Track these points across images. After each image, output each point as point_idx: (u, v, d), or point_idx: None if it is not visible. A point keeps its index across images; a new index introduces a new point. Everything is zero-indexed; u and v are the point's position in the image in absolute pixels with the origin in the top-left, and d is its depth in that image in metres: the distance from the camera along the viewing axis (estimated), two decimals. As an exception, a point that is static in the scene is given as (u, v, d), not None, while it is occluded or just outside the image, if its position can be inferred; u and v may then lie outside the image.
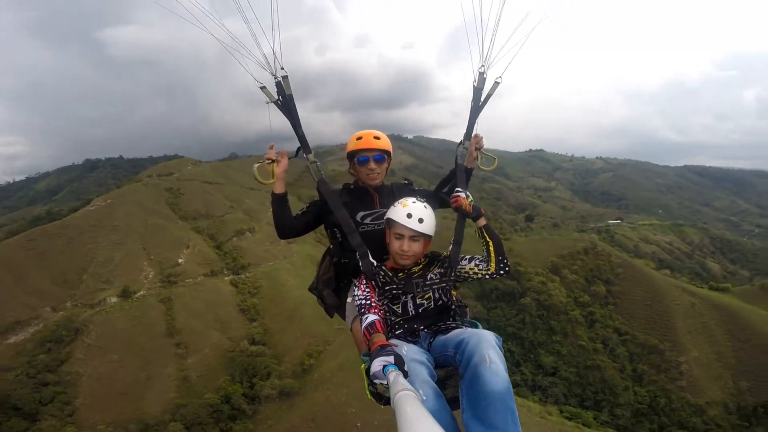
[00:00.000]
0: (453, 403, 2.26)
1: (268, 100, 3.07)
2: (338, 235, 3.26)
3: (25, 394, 44.90)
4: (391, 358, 2.06)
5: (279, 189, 3.07)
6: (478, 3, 3.00)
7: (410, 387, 1.56)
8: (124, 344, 51.42)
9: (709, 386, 58.67)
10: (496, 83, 3.35)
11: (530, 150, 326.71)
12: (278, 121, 3.11)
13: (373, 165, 3.21)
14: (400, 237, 2.83)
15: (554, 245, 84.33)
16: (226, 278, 64.01)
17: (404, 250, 2.82)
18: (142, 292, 57.94)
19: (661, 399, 57.78)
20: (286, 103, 3.09)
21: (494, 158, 3.54)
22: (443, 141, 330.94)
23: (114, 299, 56.71)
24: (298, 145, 3.23)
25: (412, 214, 2.80)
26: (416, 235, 2.82)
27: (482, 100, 3.38)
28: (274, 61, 2.97)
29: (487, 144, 3.40)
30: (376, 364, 2.06)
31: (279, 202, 3.10)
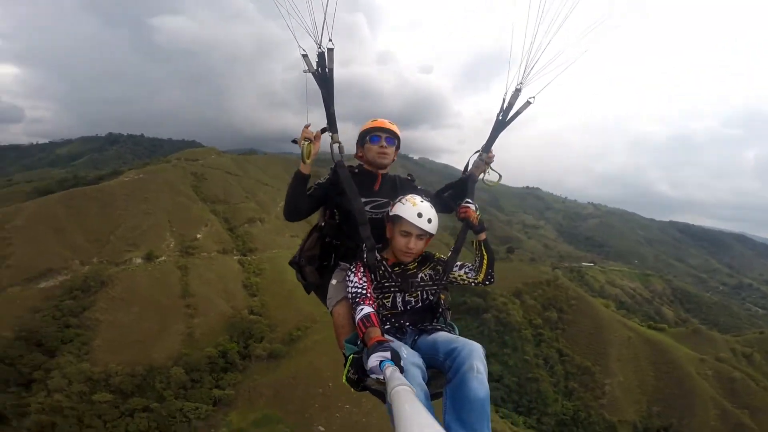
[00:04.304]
0: (433, 397, 2.45)
1: (307, 69, 3.02)
2: (337, 218, 3.34)
3: (50, 333, 53.55)
4: (387, 354, 2.14)
5: (307, 170, 3.07)
6: (535, 17, 2.89)
7: (406, 382, 1.64)
8: (143, 299, 61.00)
9: (626, 407, 68.77)
10: (528, 102, 3.29)
11: (527, 187, 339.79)
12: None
13: (384, 143, 3.27)
14: (407, 234, 2.88)
15: (522, 274, 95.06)
16: (235, 257, 74.90)
17: (410, 248, 2.90)
18: (163, 258, 68.34)
19: (582, 413, 67.88)
20: (324, 77, 3.04)
21: (499, 174, 3.49)
22: (447, 166, 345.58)
23: (139, 260, 66.94)
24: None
25: (423, 213, 2.86)
26: (423, 234, 2.91)
27: (510, 116, 3.33)
28: (322, 31, 2.88)
29: (488, 176, 3.50)
30: (373, 359, 2.14)
31: (303, 181, 3.11)
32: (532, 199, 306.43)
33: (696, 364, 73.72)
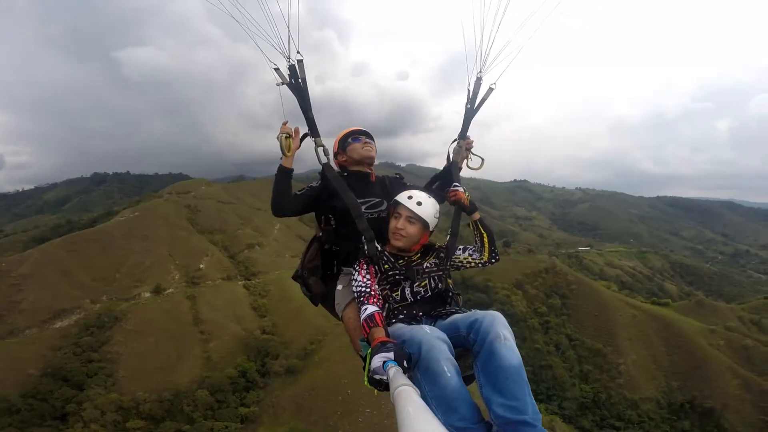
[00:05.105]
0: (466, 381, 2.34)
1: (280, 81, 3.10)
2: (333, 222, 3.33)
3: (75, 368, 54.51)
4: (391, 354, 2.12)
5: (289, 164, 3.14)
6: (480, 5, 3.04)
7: (410, 383, 1.67)
8: (157, 330, 61.84)
9: (644, 384, 69.69)
10: (490, 89, 3.49)
11: (515, 180, 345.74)
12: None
13: (366, 139, 3.43)
14: (398, 216, 3.01)
15: (521, 265, 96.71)
16: (240, 283, 75.81)
17: (398, 228, 2.97)
18: (171, 290, 69.25)
19: (602, 395, 68.75)
20: (298, 86, 3.13)
21: (482, 159, 3.61)
22: (434, 170, 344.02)
23: (148, 294, 67.88)
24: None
25: (413, 197, 3.00)
26: (413, 217, 2.97)
27: (476, 104, 3.53)
28: (290, 45, 2.97)
29: (476, 174, 3.66)
30: (377, 360, 2.12)
31: (285, 176, 3.16)
32: (522, 191, 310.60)
33: (706, 336, 74.43)
